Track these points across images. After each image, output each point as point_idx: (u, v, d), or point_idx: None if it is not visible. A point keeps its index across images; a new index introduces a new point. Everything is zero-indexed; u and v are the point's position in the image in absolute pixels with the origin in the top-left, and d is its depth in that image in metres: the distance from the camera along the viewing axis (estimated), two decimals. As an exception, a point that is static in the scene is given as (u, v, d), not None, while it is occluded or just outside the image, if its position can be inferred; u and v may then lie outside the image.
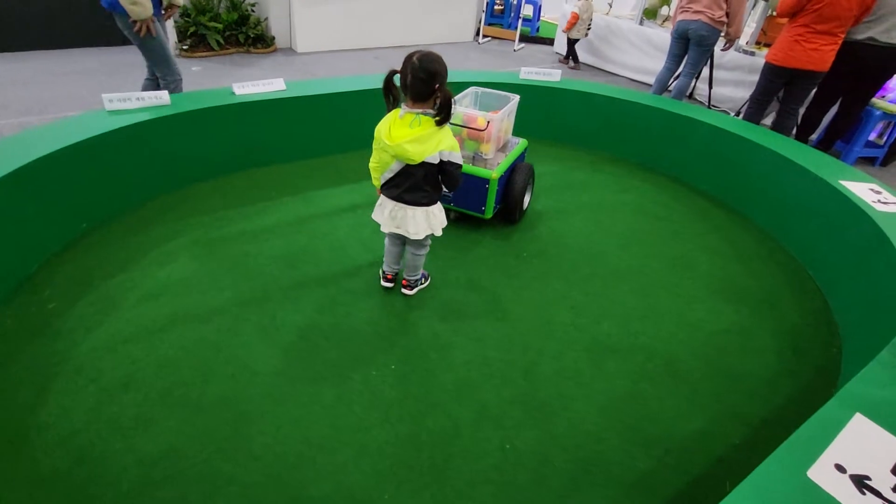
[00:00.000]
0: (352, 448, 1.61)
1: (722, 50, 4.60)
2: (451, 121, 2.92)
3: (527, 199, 2.99)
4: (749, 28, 6.11)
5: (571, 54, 6.98)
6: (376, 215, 2.05)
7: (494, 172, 2.61)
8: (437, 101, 1.74)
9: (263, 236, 2.64)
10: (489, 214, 2.73)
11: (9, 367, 1.79)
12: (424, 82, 1.70)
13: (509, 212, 2.83)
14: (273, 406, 1.73)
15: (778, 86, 3.77)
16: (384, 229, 2.04)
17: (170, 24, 3.06)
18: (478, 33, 8.17)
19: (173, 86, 3.37)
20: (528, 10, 7.96)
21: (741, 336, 2.24)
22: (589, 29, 6.78)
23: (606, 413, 1.81)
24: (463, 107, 2.75)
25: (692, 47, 4.33)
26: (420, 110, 1.76)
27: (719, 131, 3.37)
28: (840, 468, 1.09)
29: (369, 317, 2.16)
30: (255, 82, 3.27)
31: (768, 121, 4.39)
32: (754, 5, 5.77)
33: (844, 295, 2.42)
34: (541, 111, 3.88)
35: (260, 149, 3.29)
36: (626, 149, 3.90)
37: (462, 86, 3.68)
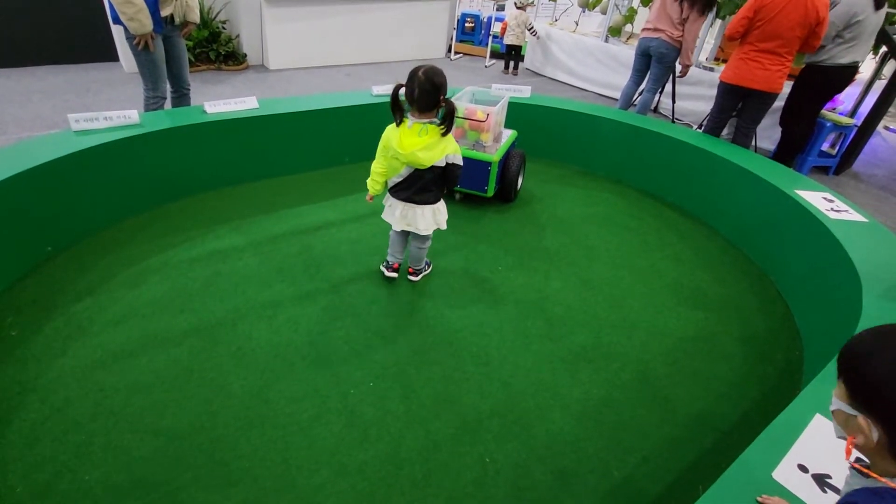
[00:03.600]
0: (330, 468, 1.60)
1: (679, 76, 4.79)
2: (456, 115, 3.20)
3: (520, 180, 3.45)
4: (708, 45, 6.38)
5: (510, 61, 7.32)
6: (387, 216, 2.28)
7: (495, 156, 3.08)
8: (439, 111, 2.01)
9: (236, 255, 2.61)
10: (491, 193, 3.20)
11: (-32, 399, 1.71)
12: (430, 94, 1.94)
13: (506, 191, 3.31)
14: (249, 429, 1.71)
15: (731, 104, 3.91)
16: (396, 228, 2.28)
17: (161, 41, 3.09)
18: (449, 50, 8.30)
19: (153, 103, 3.36)
20: (497, 28, 8.12)
21: (709, 342, 2.31)
22: (532, 32, 7.14)
23: (583, 422, 1.84)
24: (464, 102, 3.21)
25: (654, 63, 4.51)
26: (426, 120, 2.00)
27: (683, 144, 3.51)
28: (803, 468, 1.15)
29: (346, 335, 2.15)
30: (227, 101, 3.26)
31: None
32: (712, 23, 6.04)
33: (804, 300, 2.53)
34: (511, 126, 3.95)
35: (232, 167, 3.27)
36: (594, 162, 4.01)
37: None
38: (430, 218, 2.22)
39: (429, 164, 2.03)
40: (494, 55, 8.04)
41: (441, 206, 2.26)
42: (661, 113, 6.02)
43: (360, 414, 1.79)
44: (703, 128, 4.44)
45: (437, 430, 1.76)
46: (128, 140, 2.74)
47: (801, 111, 4.23)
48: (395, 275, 2.49)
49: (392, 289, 2.46)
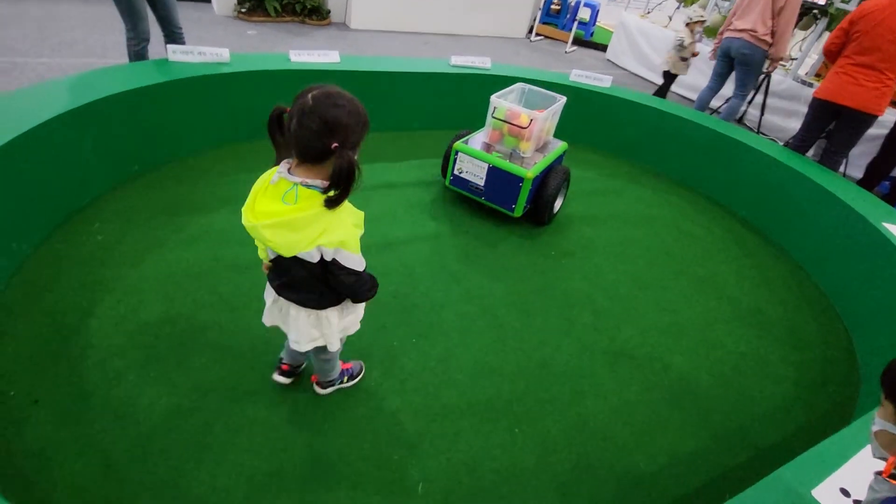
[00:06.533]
0: (368, 407, 1.68)
1: (767, 70, 4.45)
2: (494, 115, 2.79)
3: (558, 202, 2.95)
4: (810, 59, 5.95)
5: (663, 90, 5.52)
6: (267, 294, 1.46)
7: (530, 172, 2.61)
8: (332, 168, 1.09)
9: (302, 201, 2.71)
10: (518, 213, 2.73)
11: (58, 288, 1.90)
12: (316, 135, 1.08)
13: (539, 213, 2.80)
14: (297, 360, 1.81)
15: (821, 123, 3.60)
16: (266, 320, 1.47)
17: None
18: (531, 31, 8.12)
19: (134, 45, 3.15)
20: (585, 13, 7.87)
21: (760, 362, 2.23)
22: (681, 47, 5.08)
23: (616, 414, 1.84)
24: (508, 101, 2.78)
25: (736, 67, 4.24)
26: (300, 179, 1.12)
27: (765, 157, 3.33)
28: (845, 492, 1.11)
29: (395, 290, 2.22)
30: (311, 52, 3.34)
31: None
32: (819, 36, 5.61)
33: (871, 337, 2.38)
34: (585, 116, 3.88)
35: (307, 117, 3.37)
36: (667, 164, 3.88)
37: (509, 80, 3.70)
38: (310, 328, 1.37)
39: (288, 253, 1.19)
40: (577, 42, 7.82)
41: (332, 314, 1.37)
42: (745, 124, 5.70)
43: (400, 365, 1.86)
44: (787, 145, 4.18)
45: (472, 395, 1.80)
46: (217, 77, 2.88)
47: None
48: (284, 380, 1.68)
49: (443, 257, 2.50)
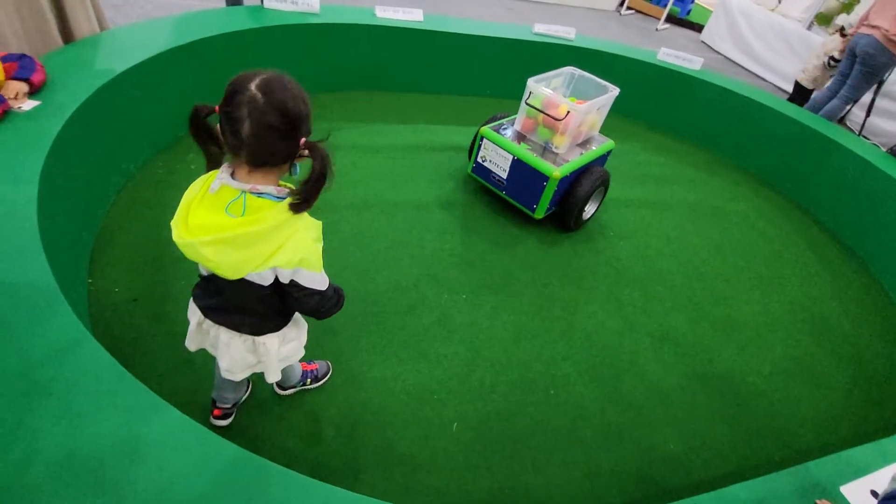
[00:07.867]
0: (416, 350, 1.81)
1: None
2: (529, 101, 2.42)
3: (590, 209, 2.60)
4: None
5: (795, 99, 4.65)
6: (191, 312, 1.21)
7: (558, 171, 2.27)
8: (293, 167, 0.97)
9: (372, 153, 2.84)
10: (539, 215, 2.44)
11: (157, 207, 2.15)
12: (281, 136, 0.90)
13: (564, 218, 2.50)
14: (354, 301, 1.95)
15: None
16: (189, 345, 1.25)
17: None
18: (622, 4, 7.72)
19: None
20: (683, -10, 7.37)
21: (814, 369, 2.16)
22: (831, 68, 4.31)
23: (652, 395, 1.87)
24: (550, 87, 2.50)
25: (856, 66, 3.81)
26: (249, 186, 0.93)
27: (860, 161, 3.09)
28: (874, 494, 1.11)
29: (452, 248, 2.31)
30: (396, 8, 3.40)
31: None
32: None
33: (947, 364, 2.24)
34: (669, 99, 3.73)
35: (384, 74, 3.45)
36: (748, 158, 3.67)
37: (593, 54, 3.59)
38: (244, 354, 1.19)
39: (233, 275, 0.99)
40: (670, 19, 7.37)
41: (269, 341, 1.18)
42: (846, 125, 5.22)
43: (450, 317, 1.97)
44: (891, 152, 3.82)
45: (514, 354, 1.89)
46: (307, 26, 3.01)
47: None
48: (222, 423, 1.48)
49: (503, 223, 2.55)
